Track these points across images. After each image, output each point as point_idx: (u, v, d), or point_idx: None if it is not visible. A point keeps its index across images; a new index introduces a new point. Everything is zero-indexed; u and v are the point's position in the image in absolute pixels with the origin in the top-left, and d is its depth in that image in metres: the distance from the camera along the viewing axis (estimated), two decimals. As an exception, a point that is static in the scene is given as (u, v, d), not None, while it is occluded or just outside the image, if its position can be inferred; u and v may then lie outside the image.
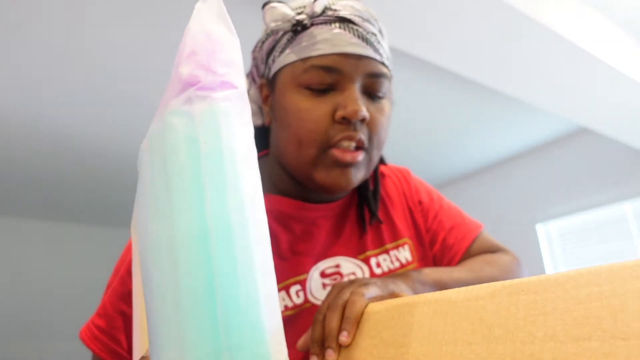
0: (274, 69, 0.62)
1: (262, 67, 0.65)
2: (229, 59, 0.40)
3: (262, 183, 0.68)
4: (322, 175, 0.59)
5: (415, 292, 0.57)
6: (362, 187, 0.71)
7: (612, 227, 3.39)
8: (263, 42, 0.64)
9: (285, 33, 0.60)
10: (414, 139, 3.49)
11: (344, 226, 0.69)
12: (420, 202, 0.75)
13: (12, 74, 2.38)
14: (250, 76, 0.69)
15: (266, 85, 0.65)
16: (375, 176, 0.72)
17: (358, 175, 0.60)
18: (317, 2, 0.58)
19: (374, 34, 0.59)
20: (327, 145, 0.58)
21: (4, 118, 2.77)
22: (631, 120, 2.86)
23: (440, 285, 0.61)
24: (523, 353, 0.31)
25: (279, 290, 0.62)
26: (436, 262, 0.73)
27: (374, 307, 0.48)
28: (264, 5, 0.59)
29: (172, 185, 0.35)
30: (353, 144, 0.58)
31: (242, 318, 0.32)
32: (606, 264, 0.31)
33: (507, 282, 0.36)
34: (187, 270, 0.33)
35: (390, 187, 0.75)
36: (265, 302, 0.34)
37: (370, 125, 0.59)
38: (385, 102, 0.61)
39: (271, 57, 0.62)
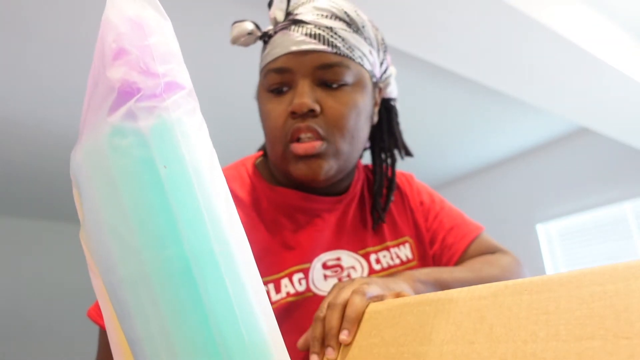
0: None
1: None
2: (167, 51, 0.33)
3: (266, 177, 0.70)
4: (292, 169, 0.62)
5: (417, 291, 0.57)
6: (374, 187, 0.73)
7: (612, 227, 3.39)
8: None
9: (264, 44, 0.66)
10: (414, 139, 3.48)
11: (347, 221, 0.70)
12: (421, 203, 0.77)
13: (12, 74, 2.38)
14: None
15: None
16: (392, 179, 0.73)
17: (326, 165, 0.61)
18: (271, 11, 0.63)
19: (329, 28, 0.62)
20: (286, 140, 0.61)
21: (4, 118, 2.76)
22: (631, 120, 2.86)
23: (442, 285, 0.61)
24: (525, 352, 0.31)
25: (283, 277, 0.63)
26: (435, 261, 0.74)
27: (375, 306, 0.48)
28: (231, 27, 0.65)
29: (134, 219, 0.30)
30: (309, 135, 0.60)
31: (250, 357, 0.29)
32: (609, 264, 0.31)
33: (509, 282, 0.36)
34: (174, 314, 0.29)
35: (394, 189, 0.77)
36: (269, 333, 0.31)
37: (326, 115, 0.61)
38: (347, 90, 0.62)
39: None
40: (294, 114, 0.60)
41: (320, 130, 0.60)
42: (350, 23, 0.64)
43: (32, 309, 4.18)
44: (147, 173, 0.30)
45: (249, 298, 0.30)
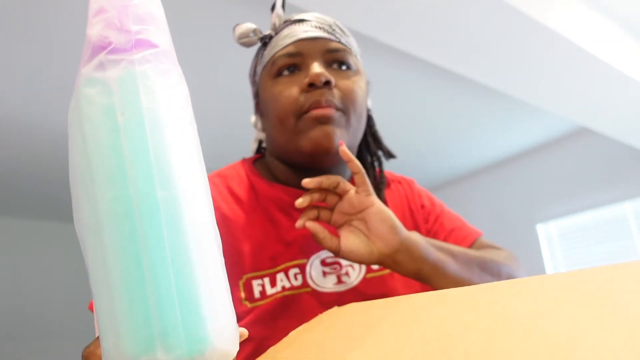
0: (257, 81, 0.72)
1: (253, 90, 0.75)
2: (145, 13, 0.36)
3: (264, 175, 0.72)
4: (305, 139, 0.64)
5: (426, 248, 0.61)
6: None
7: (612, 227, 3.39)
8: (250, 73, 0.75)
9: (259, 50, 0.71)
10: (415, 138, 3.49)
11: None
12: (422, 206, 0.79)
13: (12, 73, 2.38)
14: (255, 111, 0.78)
15: (257, 100, 0.74)
16: (381, 168, 0.76)
17: (339, 133, 0.64)
18: (273, 15, 0.70)
19: (329, 25, 0.69)
20: (301, 112, 0.64)
21: (4, 117, 2.77)
22: (631, 120, 2.86)
23: (449, 253, 0.64)
24: (524, 351, 0.31)
25: (279, 271, 0.65)
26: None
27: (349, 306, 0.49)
28: (233, 28, 0.70)
29: (92, 161, 0.32)
30: (323, 104, 0.63)
31: (175, 301, 0.30)
32: (609, 264, 0.31)
33: (506, 282, 0.36)
34: (114, 252, 0.30)
35: (393, 191, 0.79)
36: (203, 283, 0.31)
37: (340, 90, 0.65)
38: (352, 73, 0.68)
39: (255, 75, 0.73)
40: (310, 86, 0.63)
41: (337, 102, 0.64)
42: (342, 30, 0.70)
43: (32, 309, 4.18)
44: (108, 119, 0.32)
45: (187, 244, 0.31)
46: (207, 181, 0.36)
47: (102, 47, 0.34)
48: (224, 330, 0.31)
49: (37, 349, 4.06)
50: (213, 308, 0.31)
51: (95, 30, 0.34)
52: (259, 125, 0.77)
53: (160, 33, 0.36)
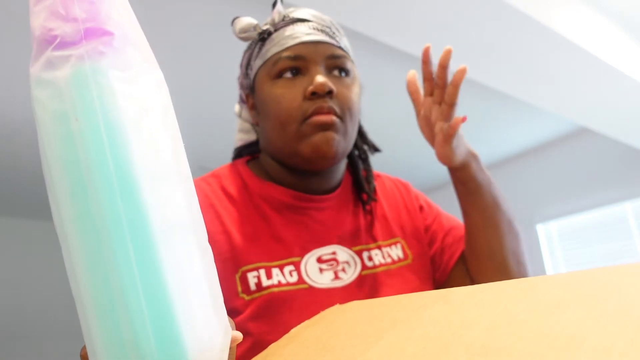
0: (252, 75, 0.72)
1: (245, 82, 0.75)
2: None
3: (258, 174, 0.72)
4: (305, 145, 0.65)
5: (468, 159, 0.75)
6: (356, 174, 0.77)
7: (612, 227, 3.39)
8: (241, 64, 0.75)
9: (256, 44, 0.71)
10: (415, 138, 3.48)
11: (340, 219, 0.73)
12: (421, 208, 0.80)
13: (13, 73, 2.38)
14: (240, 101, 0.79)
15: (250, 94, 0.74)
16: (367, 161, 0.79)
17: (338, 139, 0.66)
18: (274, 11, 0.70)
19: (328, 27, 0.70)
20: (303, 118, 0.65)
21: (5, 117, 2.77)
22: (631, 120, 2.86)
23: (488, 180, 0.78)
24: (525, 351, 0.31)
25: (274, 267, 0.65)
26: (435, 260, 0.76)
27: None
28: (232, 21, 0.70)
29: (52, 171, 0.29)
30: (325, 111, 0.66)
31: (147, 324, 0.27)
32: (608, 264, 0.31)
33: (508, 282, 0.36)
34: (83, 272, 0.28)
35: (388, 191, 0.80)
36: (179, 299, 0.28)
37: (339, 98, 0.67)
38: (349, 81, 0.70)
39: (249, 68, 0.73)
40: (314, 94, 0.65)
41: (337, 109, 0.66)
42: (339, 30, 0.72)
43: (32, 309, 4.18)
44: (62, 126, 0.29)
45: (156, 259, 0.28)
46: (189, 180, 0.32)
47: (47, 41, 0.29)
48: (206, 347, 0.29)
49: (37, 349, 4.06)
50: (192, 325, 0.29)
51: (37, 21, 0.29)
52: (244, 114, 0.79)
53: (115, 16, 0.30)
